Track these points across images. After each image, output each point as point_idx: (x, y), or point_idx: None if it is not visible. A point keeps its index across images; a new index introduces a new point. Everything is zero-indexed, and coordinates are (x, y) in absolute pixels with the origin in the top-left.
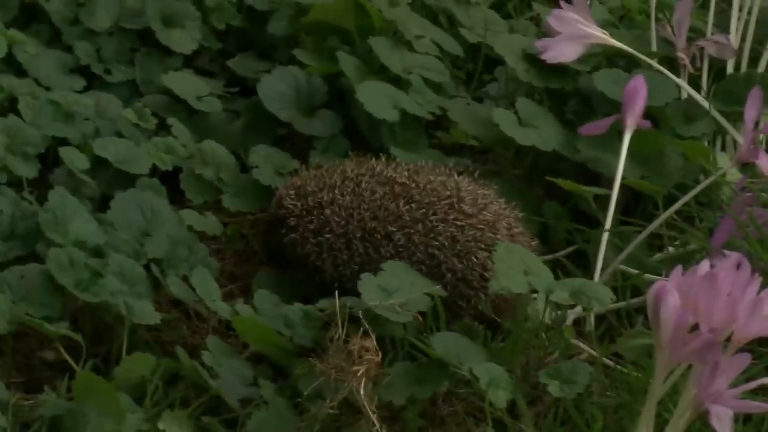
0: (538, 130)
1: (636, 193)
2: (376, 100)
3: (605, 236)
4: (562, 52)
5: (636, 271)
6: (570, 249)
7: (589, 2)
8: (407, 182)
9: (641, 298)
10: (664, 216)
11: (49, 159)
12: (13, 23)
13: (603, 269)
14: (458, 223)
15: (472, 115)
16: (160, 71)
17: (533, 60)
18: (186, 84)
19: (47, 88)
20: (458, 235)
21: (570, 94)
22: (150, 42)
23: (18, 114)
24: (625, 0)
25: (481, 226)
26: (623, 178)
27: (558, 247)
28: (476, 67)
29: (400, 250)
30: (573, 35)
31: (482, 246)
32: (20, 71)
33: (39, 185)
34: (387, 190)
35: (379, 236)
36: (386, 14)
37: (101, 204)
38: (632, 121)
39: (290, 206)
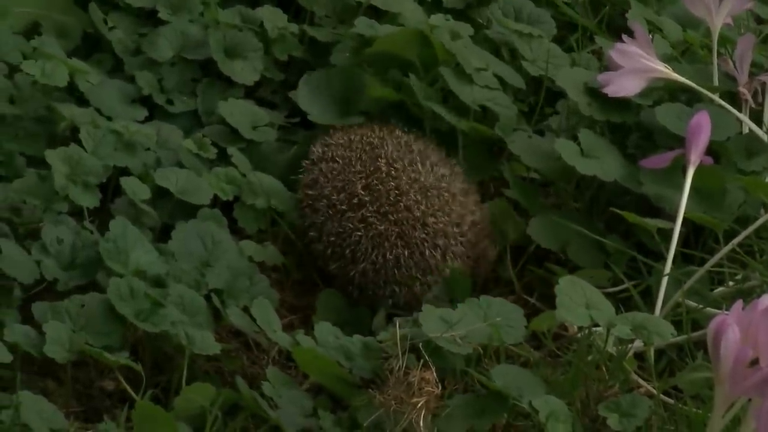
0: (599, 161)
1: (696, 226)
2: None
3: (667, 271)
4: (624, 86)
5: (697, 305)
6: (631, 283)
7: (651, 36)
8: (385, 167)
9: (702, 332)
10: (725, 250)
11: (110, 188)
12: (75, 53)
13: (664, 302)
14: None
15: (533, 148)
16: (222, 102)
17: (595, 94)
18: (243, 112)
19: (109, 118)
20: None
21: (632, 128)
22: (212, 73)
23: (79, 143)
24: (687, 34)
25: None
26: (685, 212)
27: (619, 280)
28: (538, 100)
29: (350, 226)
30: (635, 69)
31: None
32: (82, 101)
33: (100, 215)
34: (370, 167)
35: (332, 210)
36: (448, 47)
37: (162, 234)
38: (696, 156)
39: (312, 150)
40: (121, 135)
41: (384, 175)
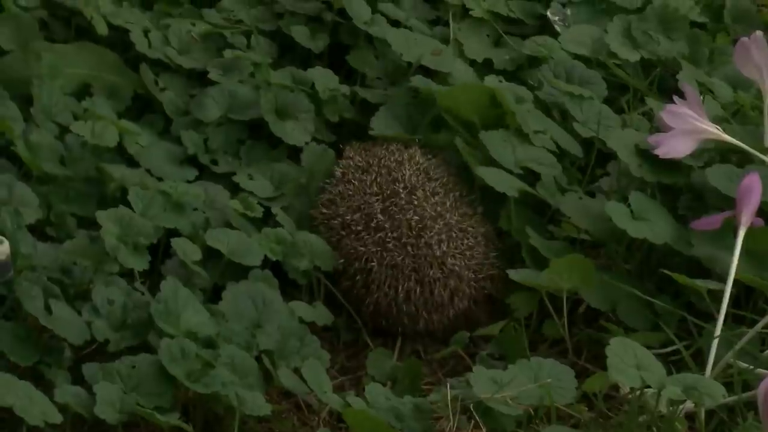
0: (650, 224)
1: (747, 286)
2: (498, 176)
3: (718, 332)
4: (675, 147)
5: (747, 366)
6: (682, 344)
7: (702, 97)
8: (404, 194)
9: (752, 393)
10: None
11: (160, 249)
12: (126, 113)
13: (715, 363)
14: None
15: (584, 209)
16: (267, 161)
17: (646, 155)
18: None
19: (159, 179)
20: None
21: (682, 190)
22: (259, 134)
23: (129, 204)
24: (737, 96)
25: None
26: (736, 273)
27: (670, 341)
28: (589, 161)
29: (362, 249)
30: (686, 130)
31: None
32: (132, 161)
33: (151, 276)
34: (386, 190)
35: (346, 230)
36: (511, 107)
37: (213, 295)
38: (747, 218)
39: (336, 171)
40: (170, 196)
41: (404, 202)
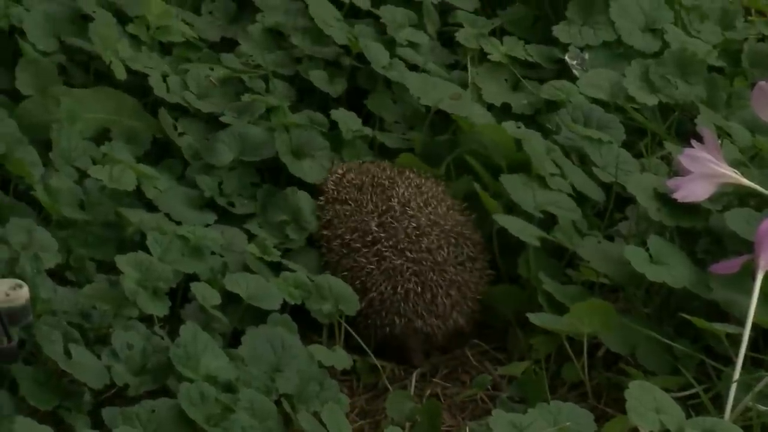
0: (669, 267)
1: (765, 330)
2: (518, 225)
3: (737, 376)
4: (693, 191)
5: (766, 409)
6: (701, 387)
7: (720, 141)
8: (398, 206)
9: None
10: None
11: (179, 293)
12: (145, 158)
13: (733, 407)
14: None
15: (603, 253)
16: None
17: (664, 199)
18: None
19: (178, 223)
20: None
21: (701, 234)
22: (274, 173)
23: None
24: (755, 139)
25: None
26: (755, 317)
27: (688, 384)
28: (608, 205)
29: (363, 261)
30: (704, 174)
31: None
32: (151, 206)
33: (170, 320)
34: (382, 206)
35: (346, 249)
36: (526, 149)
37: (232, 339)
38: (765, 261)
39: (325, 188)
40: (188, 240)
41: (398, 213)
